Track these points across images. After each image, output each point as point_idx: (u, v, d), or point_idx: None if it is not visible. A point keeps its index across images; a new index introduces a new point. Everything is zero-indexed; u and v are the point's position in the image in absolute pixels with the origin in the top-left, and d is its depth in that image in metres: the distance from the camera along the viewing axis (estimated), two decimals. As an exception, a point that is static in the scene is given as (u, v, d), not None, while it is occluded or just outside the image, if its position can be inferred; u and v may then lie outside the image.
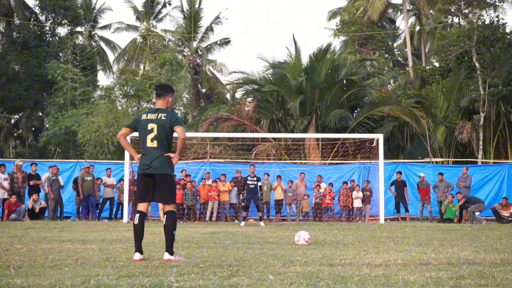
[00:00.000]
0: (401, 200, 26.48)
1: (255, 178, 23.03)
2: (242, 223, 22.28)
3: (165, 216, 8.94)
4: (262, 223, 22.24)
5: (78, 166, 28.48)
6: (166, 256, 8.76)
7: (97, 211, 25.95)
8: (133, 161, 25.52)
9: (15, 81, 43.94)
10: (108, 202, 26.36)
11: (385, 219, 24.67)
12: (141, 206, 9.08)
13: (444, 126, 33.79)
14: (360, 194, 26.66)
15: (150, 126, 8.92)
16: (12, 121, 49.70)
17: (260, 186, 23.78)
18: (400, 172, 27.35)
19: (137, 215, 9.00)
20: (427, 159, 32.26)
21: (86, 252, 9.83)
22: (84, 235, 14.32)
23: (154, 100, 8.89)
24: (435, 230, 17.15)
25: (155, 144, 8.90)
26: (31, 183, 24.59)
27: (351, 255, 9.62)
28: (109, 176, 26.46)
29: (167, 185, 9.00)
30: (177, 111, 48.62)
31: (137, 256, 8.80)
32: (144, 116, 9.08)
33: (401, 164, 29.42)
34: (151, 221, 24.87)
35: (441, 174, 26.58)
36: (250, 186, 22.84)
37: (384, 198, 25.05)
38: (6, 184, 23.87)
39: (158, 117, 8.94)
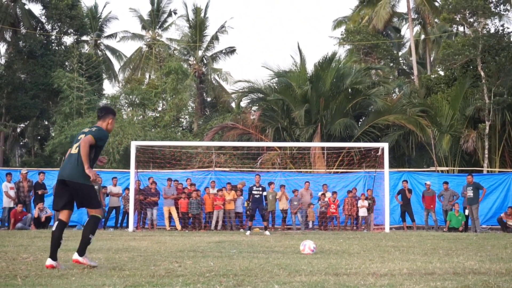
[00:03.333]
0: (407, 209, 26.45)
1: (260, 188, 23.02)
2: (248, 232, 22.28)
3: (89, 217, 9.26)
4: (267, 232, 22.23)
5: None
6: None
7: (103, 220, 25.99)
8: (139, 170, 25.61)
9: (21, 90, 44.07)
10: (114, 211, 26.39)
11: (390, 228, 24.64)
12: None
13: (450, 135, 33.79)
14: (366, 203, 26.64)
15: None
16: (18, 130, 49.86)
17: (265, 196, 23.85)
18: (406, 181, 27.33)
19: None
20: (432, 168, 32.22)
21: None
22: (90, 244, 14.33)
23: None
24: (441, 239, 17.13)
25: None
26: (39, 192, 24.63)
27: (356, 264, 9.62)
28: (115, 185, 26.49)
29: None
30: (182, 120, 48.70)
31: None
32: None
33: (406, 173, 29.39)
34: (156, 230, 24.91)
35: (446, 183, 26.56)
36: (255, 196, 22.82)
37: (389, 207, 25.02)
38: (12, 193, 23.94)
39: (90, 129, 9.40)
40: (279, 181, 28.19)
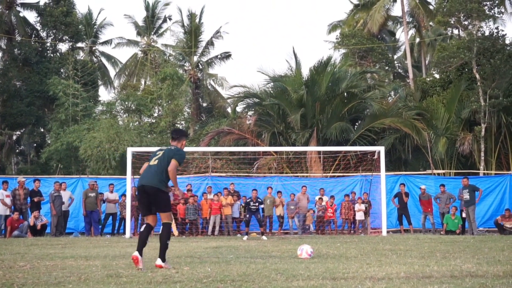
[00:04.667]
0: (404, 212, 26.47)
1: (257, 204, 23.39)
2: (245, 237, 22.30)
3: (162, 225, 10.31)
4: (264, 237, 22.26)
5: (80, 182, 28.52)
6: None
7: (100, 226, 25.99)
8: (135, 176, 25.56)
9: (16, 97, 44.01)
10: (110, 218, 26.37)
11: (388, 232, 24.65)
12: None
13: (446, 138, 33.82)
14: (363, 207, 26.65)
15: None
16: (14, 137, 49.77)
17: (263, 208, 24.19)
18: (403, 184, 27.35)
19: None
20: (428, 171, 32.23)
21: (89, 269, 9.83)
22: (87, 251, 14.33)
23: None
24: (438, 242, 17.13)
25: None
26: (35, 199, 24.60)
27: (354, 268, 9.62)
28: (111, 192, 26.47)
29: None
30: (178, 126, 48.71)
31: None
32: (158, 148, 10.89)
33: (403, 176, 29.42)
34: (153, 236, 24.86)
35: (443, 185, 26.58)
36: (252, 209, 23.23)
37: (386, 211, 25.03)
38: (8, 201, 23.89)
39: (168, 147, 10.71)
40: (276, 186, 28.21)
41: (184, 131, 11.75)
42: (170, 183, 10.51)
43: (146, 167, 10.62)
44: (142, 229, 10.29)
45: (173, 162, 10.27)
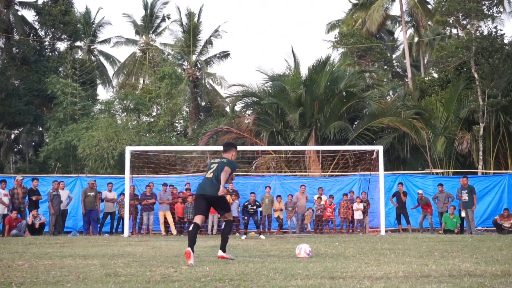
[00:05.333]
0: (402, 211, 26.47)
1: (255, 206, 23.53)
2: (243, 237, 22.31)
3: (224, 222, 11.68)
4: (262, 236, 22.28)
5: (79, 181, 28.50)
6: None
7: (98, 225, 25.97)
8: (133, 175, 25.58)
9: (15, 96, 43.98)
10: (109, 217, 26.35)
11: (386, 231, 24.64)
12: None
13: (444, 137, 33.84)
14: (361, 206, 26.65)
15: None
16: (12, 136, 49.75)
17: (261, 211, 24.32)
18: (401, 183, 27.35)
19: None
20: (427, 170, 32.25)
21: (87, 268, 9.82)
22: (85, 250, 14.31)
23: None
24: (436, 241, 17.12)
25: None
26: (33, 198, 24.59)
27: (352, 267, 9.61)
28: (110, 191, 26.45)
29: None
30: (176, 125, 48.68)
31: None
32: (212, 161, 11.96)
33: (401, 176, 29.42)
34: (151, 235, 24.89)
35: (441, 185, 26.57)
36: (249, 211, 23.36)
37: (385, 210, 25.02)
38: (6, 199, 23.87)
39: (221, 160, 11.79)
40: (274, 185, 28.21)
41: (233, 143, 12.75)
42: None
43: (204, 179, 11.61)
44: (191, 228, 11.01)
45: (226, 168, 11.41)
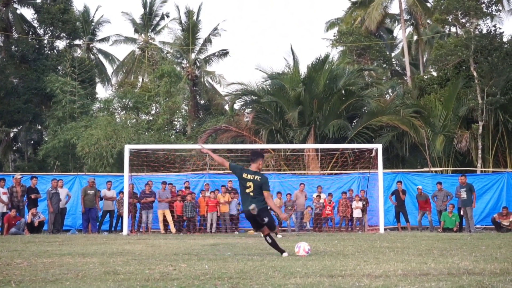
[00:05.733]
0: (401, 209, 26.47)
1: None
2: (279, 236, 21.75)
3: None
4: (279, 235, 21.83)
5: (78, 179, 28.49)
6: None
7: (97, 223, 25.95)
8: (132, 174, 25.58)
9: (13, 94, 43.95)
10: (108, 215, 26.33)
11: (385, 229, 24.64)
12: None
13: (443, 136, 33.83)
14: (360, 204, 26.65)
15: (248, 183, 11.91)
16: (11, 134, 49.69)
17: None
18: (400, 182, 27.34)
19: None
20: (426, 169, 32.26)
21: (86, 266, 9.82)
22: (84, 248, 14.31)
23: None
24: (435, 240, 17.14)
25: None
26: (32, 196, 24.58)
27: (351, 266, 9.61)
28: (109, 189, 26.43)
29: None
30: (175, 123, 48.70)
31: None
32: (244, 175, 12.01)
33: (400, 174, 29.42)
34: (150, 233, 24.88)
35: (440, 183, 26.57)
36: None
37: (384, 208, 25.02)
38: (5, 198, 23.86)
39: (255, 178, 11.92)
40: (274, 183, 28.20)
41: (260, 152, 12.90)
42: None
43: (244, 195, 11.95)
44: (270, 241, 12.01)
45: (266, 194, 11.80)
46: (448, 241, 16.63)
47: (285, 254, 11.73)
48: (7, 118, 44.08)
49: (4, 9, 46.74)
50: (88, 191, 25.43)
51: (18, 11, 47.68)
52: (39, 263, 10.45)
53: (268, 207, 11.89)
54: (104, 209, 26.20)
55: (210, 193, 26.42)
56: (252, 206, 11.48)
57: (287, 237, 20.32)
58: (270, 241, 11.95)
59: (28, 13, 48.14)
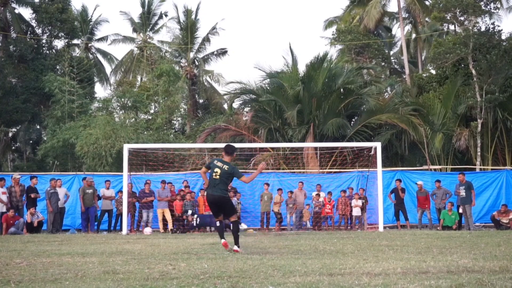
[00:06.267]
0: (401, 208, 26.45)
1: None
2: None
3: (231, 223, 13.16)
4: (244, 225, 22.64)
5: (77, 179, 28.47)
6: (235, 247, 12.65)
7: (96, 223, 25.89)
8: (131, 173, 25.57)
9: (12, 94, 43.93)
10: (106, 214, 26.27)
11: (384, 227, 24.63)
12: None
13: (442, 133, 33.85)
14: (359, 203, 26.62)
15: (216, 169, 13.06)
16: (10, 134, 49.68)
17: (260, 197, 24.14)
18: (399, 180, 27.31)
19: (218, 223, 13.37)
20: (425, 167, 32.25)
21: (86, 265, 9.82)
22: (84, 248, 14.30)
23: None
24: (435, 238, 17.14)
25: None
26: (32, 196, 24.56)
27: (350, 264, 9.62)
28: (107, 188, 26.38)
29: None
30: (174, 122, 48.69)
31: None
32: (216, 162, 13.23)
33: (400, 172, 29.41)
34: (150, 232, 24.85)
35: (438, 181, 26.55)
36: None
37: (383, 206, 25.01)
38: (4, 198, 23.83)
39: (223, 167, 13.07)
40: (273, 182, 28.20)
41: (235, 148, 13.99)
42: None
43: (210, 180, 13.09)
44: (218, 225, 13.35)
45: (243, 179, 13.19)
46: (447, 239, 16.63)
47: (223, 240, 12.99)
48: (6, 118, 44.06)
49: (2, 8, 46.69)
50: (87, 190, 25.37)
51: (16, 11, 47.65)
52: (38, 262, 10.45)
53: (227, 196, 13.26)
54: (103, 208, 26.12)
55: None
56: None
57: (287, 236, 20.32)
58: (235, 228, 13.04)
59: (26, 13, 48.26)
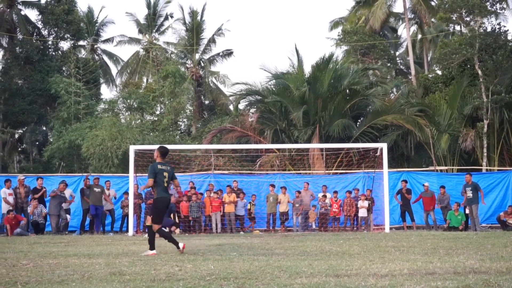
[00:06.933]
0: (407, 209, 26.38)
1: None
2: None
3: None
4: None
5: (81, 181, 28.45)
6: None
7: (101, 224, 25.83)
8: (137, 174, 25.58)
9: (18, 95, 44.04)
10: (108, 215, 26.14)
11: (390, 228, 24.60)
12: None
13: (448, 134, 33.79)
14: (366, 204, 26.55)
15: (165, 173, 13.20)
16: (16, 135, 49.79)
17: (266, 198, 24.14)
18: (405, 181, 27.25)
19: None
20: (431, 168, 32.19)
21: (92, 267, 9.83)
22: (90, 249, 14.33)
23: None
24: (441, 239, 17.11)
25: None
26: (36, 196, 24.55)
27: (357, 265, 9.61)
28: (108, 188, 26.27)
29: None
30: (180, 123, 48.75)
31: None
32: (160, 166, 13.23)
33: (406, 173, 29.34)
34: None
35: (443, 187, 26.46)
36: None
37: (389, 207, 24.97)
38: (11, 199, 23.91)
39: (167, 168, 13.36)
40: (279, 183, 28.18)
41: (168, 150, 14.11)
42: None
43: (162, 184, 13.05)
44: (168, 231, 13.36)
45: (176, 182, 13.73)
46: (454, 240, 16.61)
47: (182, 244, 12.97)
48: (12, 119, 44.18)
49: (8, 10, 46.82)
50: (94, 189, 25.28)
51: (22, 12, 47.78)
52: (45, 264, 10.47)
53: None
54: (104, 208, 25.98)
55: (213, 193, 26.39)
56: None
57: (293, 237, 20.30)
58: (165, 234, 13.14)
59: (33, 14, 48.23)
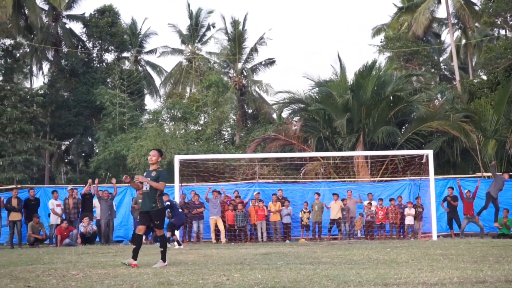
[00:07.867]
0: (454, 216, 26.06)
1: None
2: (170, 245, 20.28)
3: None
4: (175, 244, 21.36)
5: (129, 190, 28.65)
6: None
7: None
8: (183, 184, 25.69)
9: (64, 108, 44.73)
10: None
11: (438, 236, 24.33)
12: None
13: (495, 140, 33.33)
14: (412, 211, 26.27)
15: None
16: (63, 147, 50.52)
17: (311, 206, 24.07)
18: (452, 188, 26.92)
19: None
20: (478, 174, 31.76)
21: (140, 277, 9.89)
22: (138, 259, 14.41)
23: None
24: (490, 246, 16.86)
25: None
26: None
27: (405, 274, 9.51)
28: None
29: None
30: (224, 133, 48.93)
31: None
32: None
33: (452, 180, 28.99)
34: (202, 243, 24.97)
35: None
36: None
37: (436, 215, 24.71)
38: (59, 210, 24.23)
39: None
40: (324, 191, 28.07)
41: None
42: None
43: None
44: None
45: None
46: (503, 247, 16.35)
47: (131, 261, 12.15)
48: (59, 131, 44.86)
49: (54, 24, 47.61)
50: (140, 200, 25.32)
51: (67, 26, 48.57)
52: (94, 274, 10.57)
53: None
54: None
55: (258, 202, 26.35)
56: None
57: (339, 245, 20.19)
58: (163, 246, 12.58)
59: (77, 27, 49.02)
